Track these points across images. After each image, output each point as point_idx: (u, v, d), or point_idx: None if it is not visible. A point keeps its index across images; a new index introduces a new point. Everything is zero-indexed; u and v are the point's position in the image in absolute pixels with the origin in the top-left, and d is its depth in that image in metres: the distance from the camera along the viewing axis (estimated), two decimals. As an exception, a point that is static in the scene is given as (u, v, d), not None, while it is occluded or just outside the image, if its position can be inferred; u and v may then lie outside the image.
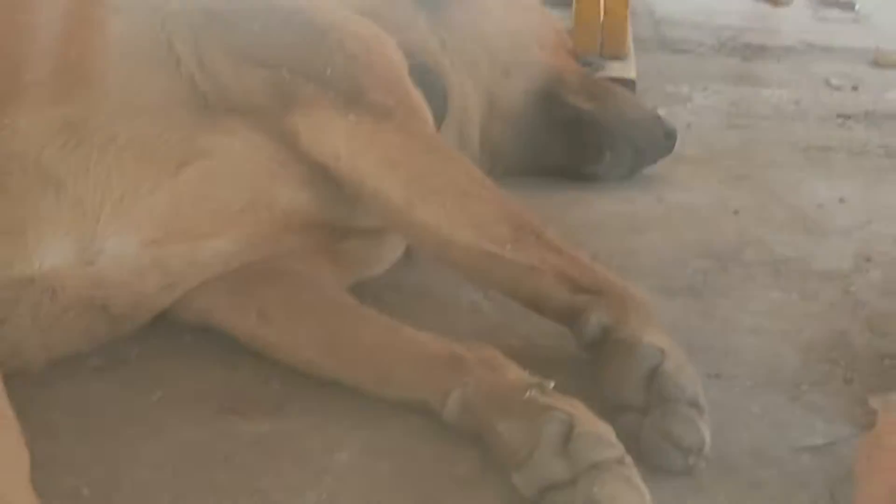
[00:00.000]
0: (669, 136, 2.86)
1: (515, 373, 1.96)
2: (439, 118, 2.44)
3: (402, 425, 2.00)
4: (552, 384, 1.89)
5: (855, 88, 3.43)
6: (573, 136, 2.79)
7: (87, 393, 2.09)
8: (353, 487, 1.86)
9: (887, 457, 1.70)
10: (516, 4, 2.88)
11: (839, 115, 3.24)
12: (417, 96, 2.34)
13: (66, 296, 2.06)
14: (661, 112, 3.09)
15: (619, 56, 3.29)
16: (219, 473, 1.88)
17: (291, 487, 1.86)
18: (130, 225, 2.09)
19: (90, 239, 2.06)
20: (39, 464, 1.65)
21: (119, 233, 2.08)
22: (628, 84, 3.14)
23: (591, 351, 2.07)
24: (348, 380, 2.09)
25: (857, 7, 4.07)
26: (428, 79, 2.46)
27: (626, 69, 3.24)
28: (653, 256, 2.54)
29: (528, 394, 1.87)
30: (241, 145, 2.17)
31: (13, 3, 2.20)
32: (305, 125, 2.18)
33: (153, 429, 2.00)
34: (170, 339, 2.24)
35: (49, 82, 2.10)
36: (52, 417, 1.96)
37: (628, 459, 1.77)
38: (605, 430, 1.81)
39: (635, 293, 2.12)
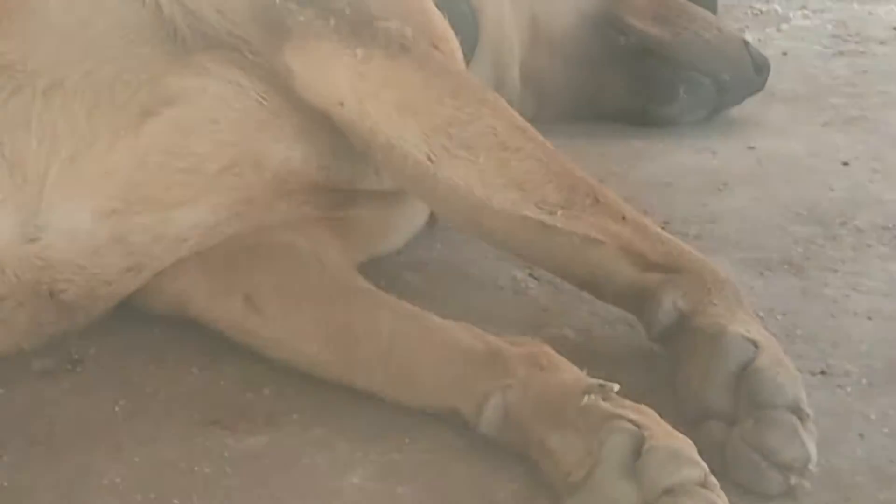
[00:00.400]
0: (760, 68, 2.87)
1: (570, 372, 1.96)
2: (469, 49, 2.45)
3: (428, 440, 2.00)
4: (616, 387, 1.88)
5: None
6: (639, 70, 2.81)
7: (33, 402, 2.10)
8: None
9: None
10: None
11: None
12: (442, 22, 2.35)
13: (5, 280, 2.08)
14: (749, 37, 3.07)
15: None
16: (200, 500, 1.88)
17: None
18: (83, 191, 2.11)
19: (33, 209, 2.08)
20: None
21: (69, 201, 2.10)
22: (707, 1, 3.13)
23: (664, 343, 2.08)
24: (360, 383, 2.10)
25: None
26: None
27: None
28: (741, 222, 2.53)
29: (586, 399, 1.86)
30: (221, 89, 2.19)
31: None
32: (301, 62, 2.19)
33: (116, 446, 1.99)
34: (136, 334, 2.25)
35: None
36: None
37: (713, 480, 1.77)
38: (684, 443, 1.81)
39: (719, 270, 2.12)
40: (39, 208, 2.08)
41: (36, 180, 2.08)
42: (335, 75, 2.18)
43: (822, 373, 2.12)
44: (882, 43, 3.25)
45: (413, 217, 2.43)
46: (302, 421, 2.05)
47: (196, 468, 1.95)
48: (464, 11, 2.52)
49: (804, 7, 3.46)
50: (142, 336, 2.25)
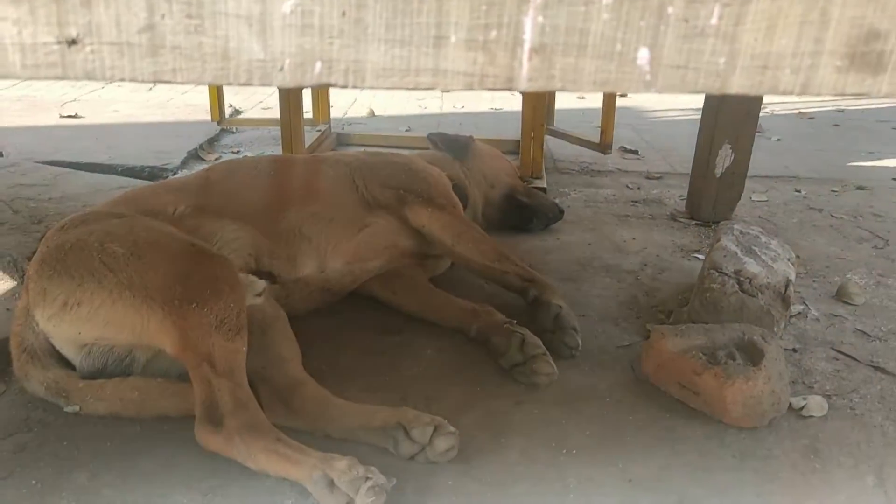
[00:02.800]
0: (561, 212, 2.87)
1: (500, 317, 2.00)
2: (465, 207, 2.49)
3: (458, 339, 2.03)
4: (515, 322, 1.98)
5: (639, 188, 3.41)
6: (521, 213, 2.78)
7: (322, 326, 2.05)
8: (438, 365, 1.92)
9: (653, 352, 1.83)
10: (497, 157, 2.84)
11: (633, 201, 3.24)
12: (456, 199, 2.37)
13: (313, 286, 2.14)
14: (558, 200, 3.09)
15: (539, 177, 3.29)
16: (376, 358, 1.93)
17: (404, 365, 1.90)
18: (339, 255, 2.17)
19: (322, 262, 2.15)
20: (310, 369, 1.71)
21: (334, 259, 2.16)
22: (543, 189, 3.16)
23: (530, 306, 2.10)
24: (429, 318, 2.11)
25: (639, 152, 4.08)
26: (460, 190, 2.52)
27: (542, 182, 3.25)
28: (556, 263, 2.56)
29: (505, 326, 1.97)
30: (384, 221, 2.23)
31: (283, 170, 2.25)
32: (410, 212, 2.23)
33: (350, 339, 2.02)
34: (356, 302, 2.22)
35: (304, 199, 2.18)
36: (309, 339, 1.87)
37: (546, 352, 1.87)
38: (538, 340, 1.91)
39: (549, 280, 2.17)
40: (325, 262, 2.14)
41: (323, 252, 2.14)
42: (421, 217, 2.21)
43: (583, 315, 2.14)
44: (602, 202, 3.26)
45: (447, 263, 2.38)
46: (412, 331, 2.07)
47: (378, 348, 1.96)
48: (463, 194, 2.53)
49: (575, 189, 3.41)
50: (357, 302, 2.21)
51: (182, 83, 0.56)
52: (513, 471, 1.51)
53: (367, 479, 1.37)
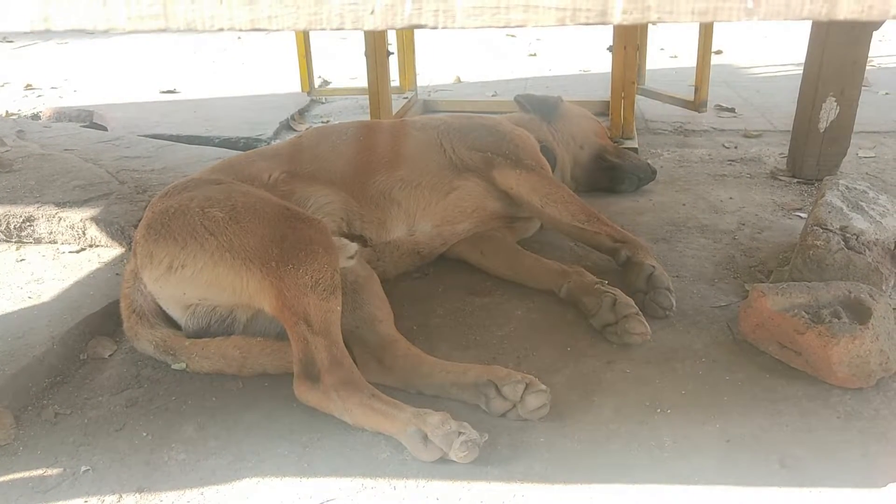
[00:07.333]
0: (653, 172, 2.83)
1: (591, 277, 2.00)
2: (553, 168, 2.48)
3: (547, 300, 2.03)
4: (606, 282, 1.96)
5: (736, 147, 3.30)
6: (611, 174, 2.74)
7: (412, 287, 2.14)
8: (527, 326, 1.91)
9: (752, 311, 1.78)
10: (586, 118, 2.82)
11: (730, 160, 3.13)
12: (544, 160, 2.37)
13: (403, 249, 2.17)
14: (650, 161, 3.03)
15: (630, 137, 3.24)
16: (465, 318, 1.95)
17: (494, 326, 1.91)
18: (428, 218, 2.19)
19: (412, 225, 2.17)
20: (402, 330, 1.77)
21: (423, 222, 2.18)
22: (634, 150, 3.11)
23: (622, 267, 2.09)
24: (517, 280, 2.12)
25: (735, 110, 3.92)
26: (548, 151, 2.52)
27: (633, 143, 3.20)
28: (649, 224, 2.52)
29: (596, 286, 1.95)
30: (472, 184, 2.23)
31: (372, 135, 2.28)
32: (498, 174, 2.22)
33: (440, 301, 2.05)
34: (445, 265, 2.25)
35: (393, 163, 2.20)
36: (400, 300, 1.98)
37: (639, 312, 1.84)
38: (630, 300, 1.88)
39: (642, 241, 2.14)
40: (414, 225, 2.17)
41: (412, 215, 2.16)
42: (509, 179, 2.21)
43: (677, 276, 2.12)
44: (696, 163, 3.14)
45: (535, 225, 2.41)
46: (502, 293, 2.08)
47: (465, 309, 1.99)
48: (551, 155, 2.50)
49: (668, 150, 3.32)
50: (446, 266, 2.24)
51: (277, 30, 0.57)
52: (606, 428, 1.51)
53: (460, 433, 1.40)
